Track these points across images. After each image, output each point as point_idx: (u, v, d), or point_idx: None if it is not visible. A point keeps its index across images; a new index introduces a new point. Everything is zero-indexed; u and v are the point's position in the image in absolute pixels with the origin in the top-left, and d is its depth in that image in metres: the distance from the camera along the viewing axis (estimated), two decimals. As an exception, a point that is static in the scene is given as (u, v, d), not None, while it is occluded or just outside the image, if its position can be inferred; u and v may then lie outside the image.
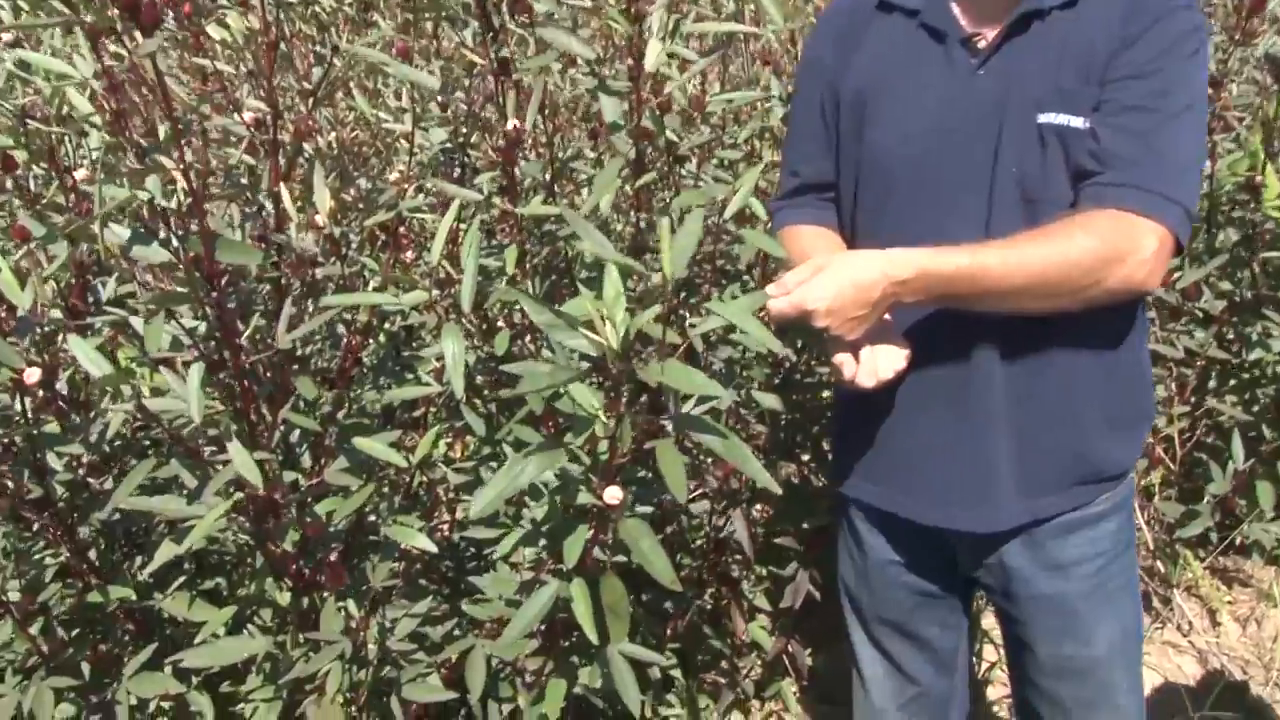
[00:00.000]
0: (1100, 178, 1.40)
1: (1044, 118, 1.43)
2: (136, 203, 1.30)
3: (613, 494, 1.35)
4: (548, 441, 1.29)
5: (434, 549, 1.65)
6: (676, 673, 2.51)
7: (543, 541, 1.65)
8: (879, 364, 1.49)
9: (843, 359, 1.49)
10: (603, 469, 1.37)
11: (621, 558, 1.52)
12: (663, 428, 1.33)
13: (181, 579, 1.90)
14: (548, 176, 2.04)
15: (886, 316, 1.48)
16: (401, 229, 2.16)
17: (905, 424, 1.61)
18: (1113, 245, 1.37)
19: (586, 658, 1.84)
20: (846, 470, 1.74)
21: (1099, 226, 1.38)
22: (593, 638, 1.43)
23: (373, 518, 1.90)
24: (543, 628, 1.73)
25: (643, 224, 1.96)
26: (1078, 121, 1.42)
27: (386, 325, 2.39)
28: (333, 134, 2.94)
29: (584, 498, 1.46)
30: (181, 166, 1.34)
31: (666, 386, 1.21)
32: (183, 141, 1.35)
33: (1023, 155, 1.45)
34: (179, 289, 1.35)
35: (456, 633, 1.93)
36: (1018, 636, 1.71)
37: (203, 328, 1.56)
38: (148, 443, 1.94)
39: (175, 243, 1.40)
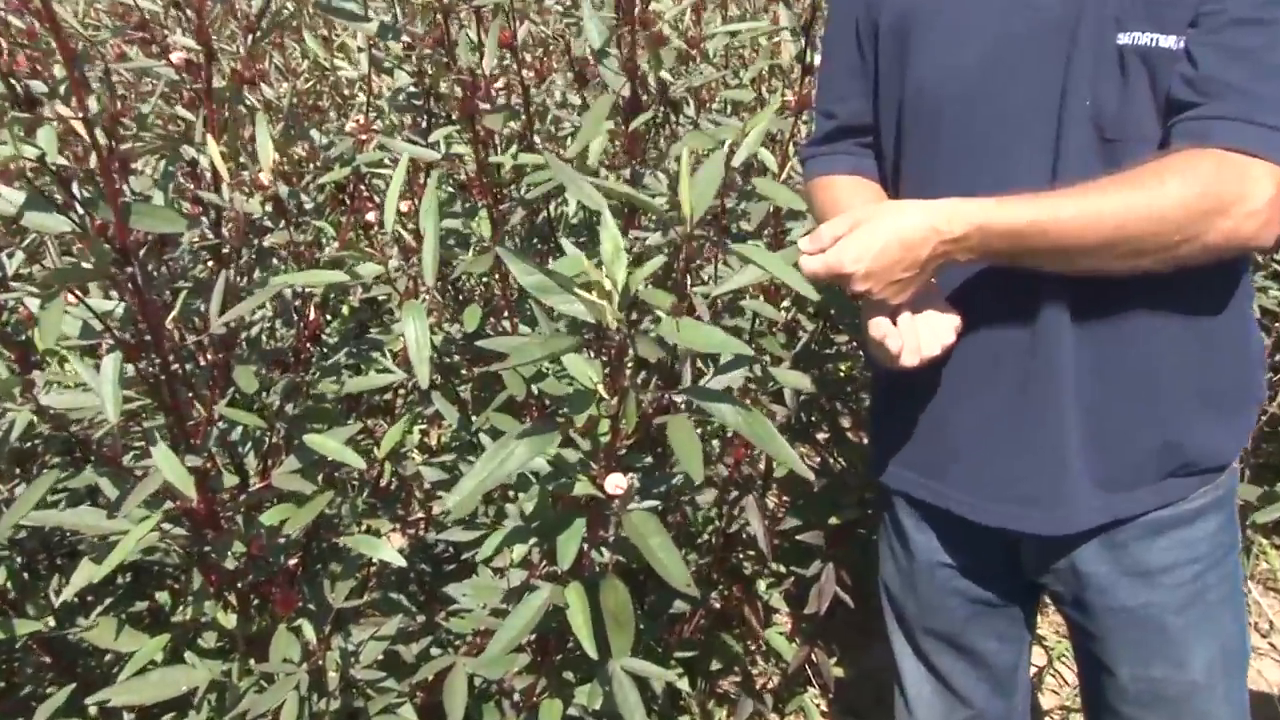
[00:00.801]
0: (1198, 110, 1.26)
1: (1125, 38, 1.29)
2: (21, 161, 1.16)
3: (616, 482, 1.27)
4: (539, 423, 1.20)
5: (402, 562, 1.56)
6: (684, 683, 2.44)
7: (532, 540, 1.55)
8: (923, 337, 1.38)
9: (883, 330, 1.37)
10: (604, 453, 1.29)
11: (622, 558, 1.46)
12: (673, 403, 1.25)
13: (110, 599, 1.82)
14: (523, 126, 1.89)
15: (932, 279, 1.36)
16: (362, 188, 2.05)
17: (956, 405, 1.49)
18: (1215, 193, 1.22)
19: (584, 674, 1.77)
20: (887, 458, 1.63)
21: (1198, 170, 1.23)
22: (592, 652, 1.34)
23: (335, 518, 1.82)
24: (533, 640, 1.67)
25: (638, 175, 1.83)
26: (1168, 41, 1.27)
27: (349, 298, 2.28)
28: (284, 85, 2.81)
29: (582, 488, 1.35)
30: (83, 115, 1.19)
31: (678, 356, 1.09)
32: (86, 84, 1.20)
33: (1098, 85, 1.31)
34: (83, 264, 1.21)
35: (434, 650, 1.86)
36: (1094, 655, 1.58)
37: (120, 310, 1.42)
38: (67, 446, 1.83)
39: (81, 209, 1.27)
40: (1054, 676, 2.83)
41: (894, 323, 1.38)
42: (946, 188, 1.35)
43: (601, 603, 1.34)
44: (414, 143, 1.83)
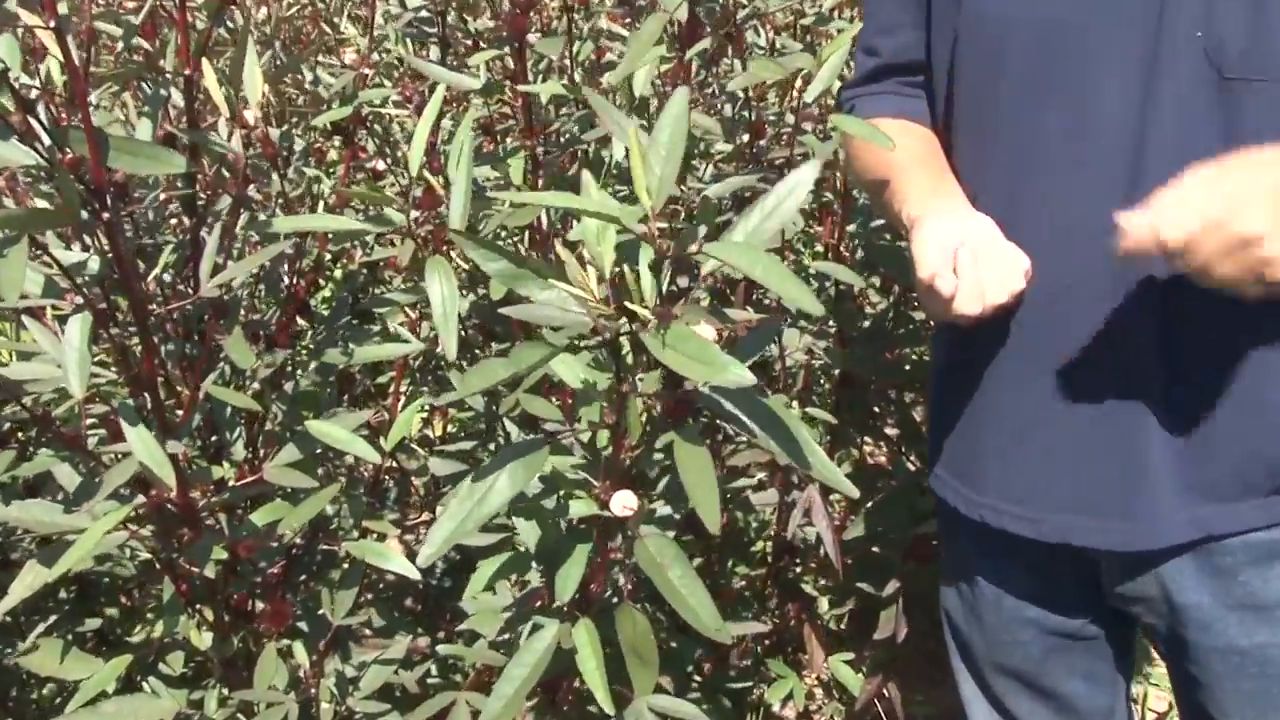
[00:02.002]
0: None
1: None
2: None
3: (624, 501, 1.22)
4: (525, 442, 1.16)
5: (416, 574, 1.53)
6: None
7: (534, 567, 1.53)
8: (986, 281, 1.31)
9: (933, 267, 1.31)
10: (606, 467, 1.25)
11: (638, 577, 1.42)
12: (687, 408, 1.18)
13: (54, 617, 1.80)
14: (561, 56, 1.84)
15: (986, 219, 1.35)
16: (362, 131, 1.99)
17: (1016, 402, 1.44)
18: None
19: (604, 714, 1.72)
20: (941, 465, 1.59)
21: None
22: (606, 706, 1.30)
23: (334, 520, 1.85)
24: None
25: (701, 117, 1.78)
26: None
27: (340, 264, 2.24)
28: (263, 8, 2.75)
29: (583, 507, 1.31)
30: (53, 26, 1.14)
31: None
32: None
33: (1215, 7, 1.25)
34: (49, 206, 1.15)
35: (435, 676, 1.88)
36: (1198, 704, 1.52)
37: (92, 265, 1.37)
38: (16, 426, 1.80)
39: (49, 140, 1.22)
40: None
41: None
42: (1006, 138, 1.34)
43: (620, 636, 1.30)
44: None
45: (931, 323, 1.61)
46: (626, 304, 1.05)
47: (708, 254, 1.01)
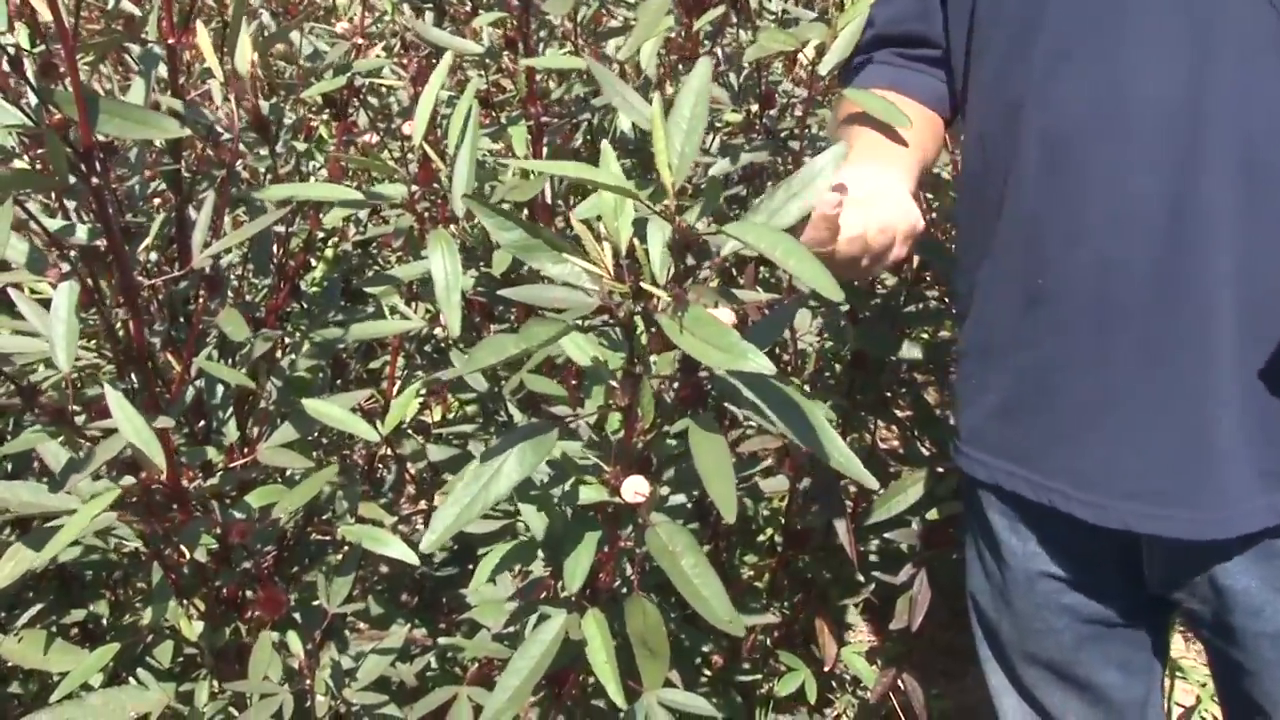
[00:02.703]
0: None
1: None
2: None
3: (636, 487, 1.21)
4: (533, 424, 1.15)
5: (415, 560, 1.52)
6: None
7: (540, 555, 1.54)
8: (869, 223, 1.33)
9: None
10: (618, 452, 1.24)
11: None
12: (703, 393, 1.19)
13: (37, 607, 1.79)
14: (572, 24, 1.84)
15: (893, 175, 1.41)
16: (355, 101, 1.99)
17: (1069, 372, 1.41)
18: None
19: (611, 708, 1.75)
20: (972, 442, 1.57)
21: None
22: (618, 699, 1.31)
23: (329, 506, 1.85)
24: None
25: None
26: None
27: (331, 242, 2.23)
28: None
29: (592, 494, 1.32)
30: None
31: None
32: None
33: None
34: (35, 171, 1.14)
35: (435, 668, 1.89)
36: (1245, 694, 1.51)
37: (79, 233, 1.36)
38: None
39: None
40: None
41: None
42: (1042, 108, 1.32)
43: (628, 627, 1.29)
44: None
45: (957, 303, 1.60)
46: (641, 283, 1.05)
47: (728, 234, 1.00)
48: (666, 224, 1.03)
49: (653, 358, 1.18)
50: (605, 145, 1.15)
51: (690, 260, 1.05)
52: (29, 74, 1.20)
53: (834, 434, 1.08)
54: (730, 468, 1.05)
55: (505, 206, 1.46)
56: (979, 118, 1.48)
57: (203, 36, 1.43)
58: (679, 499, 1.55)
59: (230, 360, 1.70)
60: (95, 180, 1.20)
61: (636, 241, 1.08)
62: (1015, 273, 1.41)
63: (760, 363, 0.97)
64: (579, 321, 1.13)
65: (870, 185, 1.34)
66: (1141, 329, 1.34)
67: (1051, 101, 1.33)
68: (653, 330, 1.08)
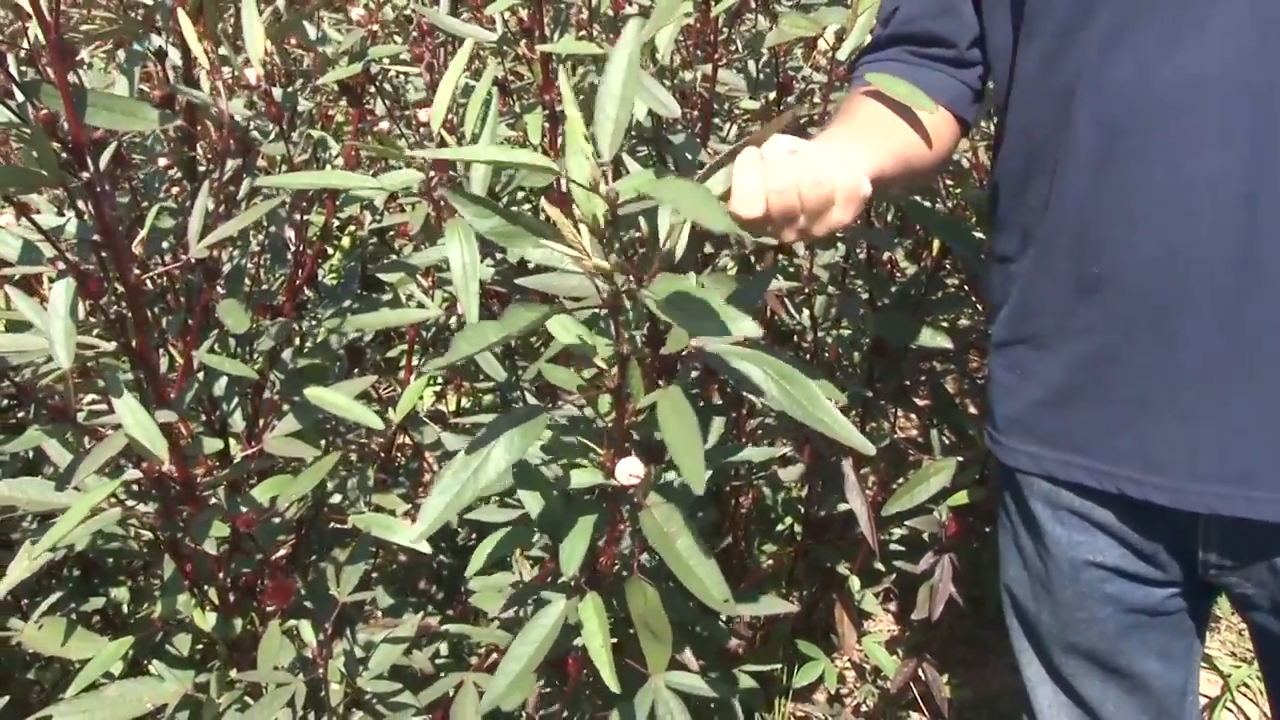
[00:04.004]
0: None
1: None
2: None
3: (630, 469, 1.22)
4: (523, 410, 1.15)
5: (426, 548, 1.55)
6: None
7: (538, 538, 1.55)
8: (802, 180, 1.25)
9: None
10: (610, 434, 1.25)
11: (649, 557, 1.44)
12: (672, 367, 1.23)
13: (56, 595, 1.79)
14: (585, 10, 1.82)
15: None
16: (371, 89, 1.98)
17: (1131, 357, 1.37)
18: None
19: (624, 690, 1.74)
20: (1014, 433, 1.53)
21: None
22: (611, 683, 1.31)
23: (336, 497, 1.84)
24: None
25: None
26: None
27: (349, 230, 2.22)
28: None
29: (586, 477, 1.32)
30: None
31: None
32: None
33: None
34: (28, 167, 1.13)
35: (447, 656, 1.88)
36: None
37: (73, 227, 1.35)
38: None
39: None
40: (1231, 712, 2.75)
41: None
42: (1095, 91, 1.29)
43: (630, 610, 1.30)
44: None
45: (991, 295, 1.57)
46: (596, 259, 1.05)
47: (644, 193, 1.01)
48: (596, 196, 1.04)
49: (640, 336, 1.17)
50: (571, 114, 1.13)
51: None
52: (10, 69, 1.19)
53: (827, 403, 1.07)
54: (698, 438, 1.04)
55: (513, 200, 1.44)
56: (1023, 109, 1.45)
57: (185, 24, 1.42)
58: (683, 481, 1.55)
59: (246, 351, 1.69)
60: (86, 174, 1.18)
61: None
62: (1064, 262, 1.38)
63: (749, 326, 0.97)
64: (561, 301, 1.12)
65: (809, 146, 1.28)
66: (1214, 310, 1.31)
67: (1107, 86, 1.29)
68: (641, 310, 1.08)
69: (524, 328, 1.02)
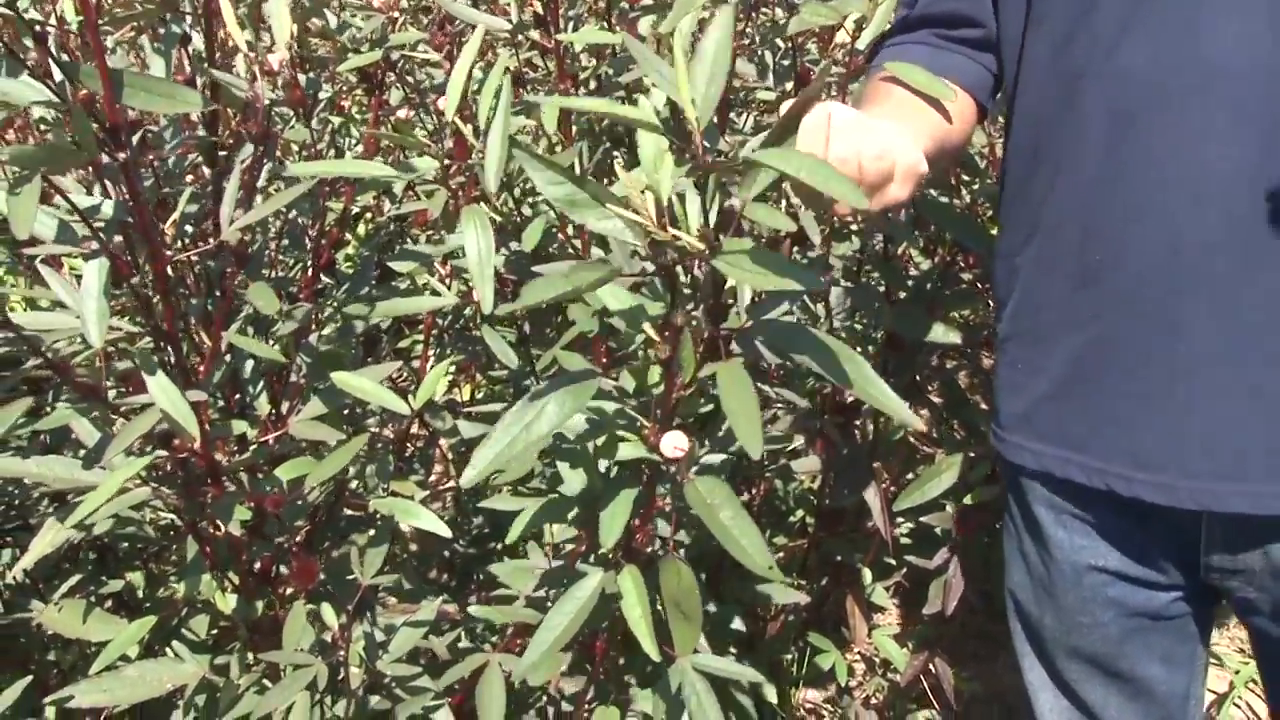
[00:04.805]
0: None
1: None
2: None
3: (675, 442, 1.20)
4: (575, 373, 1.15)
5: (447, 532, 1.51)
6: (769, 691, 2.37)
7: (574, 513, 1.52)
8: (863, 150, 1.25)
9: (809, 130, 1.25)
10: (657, 407, 1.23)
11: (683, 538, 1.44)
12: (728, 343, 1.18)
13: (75, 578, 1.79)
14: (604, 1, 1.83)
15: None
16: (390, 76, 1.98)
17: (1129, 347, 1.37)
18: None
19: (645, 675, 1.77)
20: (1018, 430, 1.53)
21: None
22: (651, 651, 1.29)
23: (354, 483, 1.84)
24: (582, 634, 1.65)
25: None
26: None
27: (366, 217, 2.22)
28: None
29: (631, 449, 1.29)
30: None
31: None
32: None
33: None
34: (63, 145, 1.14)
35: (466, 642, 1.87)
36: None
37: (106, 208, 1.35)
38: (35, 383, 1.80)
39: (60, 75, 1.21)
40: (1239, 708, 2.75)
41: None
42: (1103, 79, 1.28)
43: (662, 588, 1.29)
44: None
45: (997, 290, 1.57)
46: (677, 231, 1.05)
47: (755, 161, 1.00)
48: (690, 162, 1.03)
49: (695, 311, 1.18)
50: (641, 98, 1.14)
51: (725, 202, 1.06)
52: (53, 49, 1.19)
53: (873, 373, 1.07)
54: (755, 402, 1.05)
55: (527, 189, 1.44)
56: (1031, 97, 1.43)
57: (226, 9, 1.42)
58: (715, 459, 1.55)
59: (267, 335, 1.69)
60: (123, 155, 1.19)
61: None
62: (1067, 252, 1.38)
63: (808, 278, 0.97)
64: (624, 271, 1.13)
65: (865, 120, 1.27)
66: (1214, 298, 1.31)
67: (1116, 72, 1.29)
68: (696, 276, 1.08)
69: (592, 282, 1.02)
